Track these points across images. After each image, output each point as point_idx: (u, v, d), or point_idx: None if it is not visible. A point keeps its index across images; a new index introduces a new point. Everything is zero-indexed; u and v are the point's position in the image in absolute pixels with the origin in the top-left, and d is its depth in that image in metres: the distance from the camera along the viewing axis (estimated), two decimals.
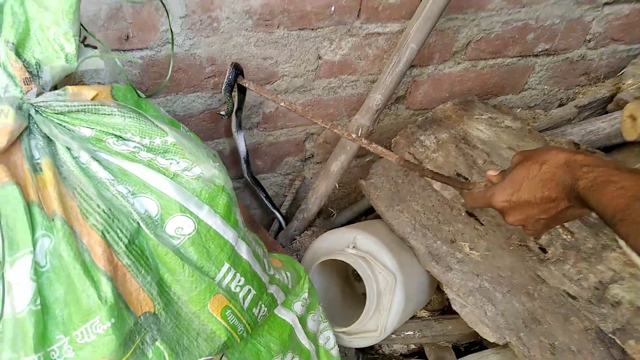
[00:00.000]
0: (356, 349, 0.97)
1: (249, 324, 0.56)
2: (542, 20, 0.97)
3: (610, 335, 0.74)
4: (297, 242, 0.92)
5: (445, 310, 0.99)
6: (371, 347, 1.00)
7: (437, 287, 0.96)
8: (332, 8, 0.81)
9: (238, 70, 0.78)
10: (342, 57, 0.89)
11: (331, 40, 0.86)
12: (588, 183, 0.52)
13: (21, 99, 0.49)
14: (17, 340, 0.44)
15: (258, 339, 0.63)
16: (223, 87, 0.78)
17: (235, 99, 0.81)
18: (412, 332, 0.94)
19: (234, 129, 0.87)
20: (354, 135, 0.70)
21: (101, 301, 0.45)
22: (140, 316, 0.48)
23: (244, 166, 0.92)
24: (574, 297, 0.77)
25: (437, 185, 0.90)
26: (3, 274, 0.45)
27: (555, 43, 1.03)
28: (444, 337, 0.95)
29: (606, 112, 1.10)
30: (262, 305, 0.59)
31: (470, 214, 0.87)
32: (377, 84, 0.84)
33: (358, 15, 0.84)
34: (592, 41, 1.06)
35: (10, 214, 0.45)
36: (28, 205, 0.46)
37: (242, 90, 0.82)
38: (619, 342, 0.73)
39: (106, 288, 0.45)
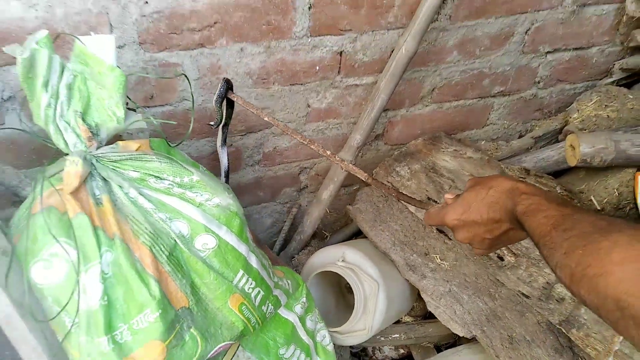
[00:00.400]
0: (351, 353, 1.11)
1: (259, 318, 0.72)
2: (495, 68, 1.17)
3: (557, 326, 0.89)
4: (296, 260, 1.08)
5: (426, 315, 1.14)
6: (365, 353, 1.15)
7: (418, 296, 1.11)
8: (317, 67, 0.99)
9: (229, 85, 0.84)
10: (327, 105, 1.07)
11: (317, 92, 1.04)
12: (524, 209, 0.58)
13: (85, 152, 0.66)
14: (91, 326, 0.59)
15: (267, 333, 0.78)
16: (214, 99, 0.83)
17: (224, 113, 0.86)
18: (398, 335, 1.09)
19: (218, 143, 0.91)
20: (331, 156, 0.87)
21: (151, 297, 0.61)
22: (178, 310, 0.64)
23: (223, 179, 0.96)
24: (527, 296, 0.93)
25: (412, 207, 1.07)
26: (79, 279, 0.61)
27: (509, 86, 1.22)
28: (426, 338, 1.10)
29: (557, 142, 1.28)
30: (269, 304, 0.75)
31: (440, 231, 1.04)
32: (357, 127, 1.03)
33: (339, 71, 1.02)
34: (541, 82, 1.25)
35: (82, 235, 0.62)
36: (94, 229, 0.62)
37: (231, 105, 0.87)
38: (564, 331, 0.88)
39: (154, 288, 0.61)
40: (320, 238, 1.25)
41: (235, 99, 0.85)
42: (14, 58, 0.63)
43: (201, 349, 0.65)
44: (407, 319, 1.13)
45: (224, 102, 0.85)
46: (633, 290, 0.41)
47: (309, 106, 1.06)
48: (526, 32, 1.13)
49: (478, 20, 1.06)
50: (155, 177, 0.69)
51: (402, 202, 0.77)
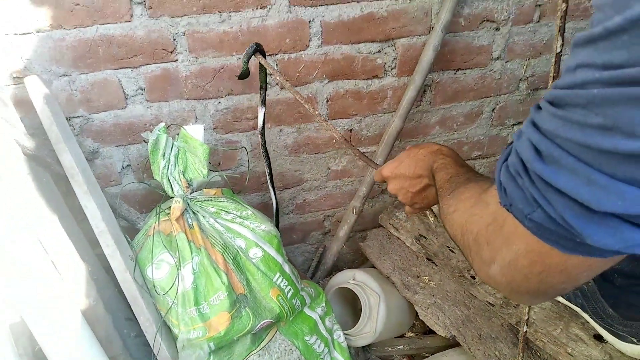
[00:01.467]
0: None
1: (290, 308, 1.06)
2: (471, 137, 1.53)
3: (514, 325, 1.17)
4: (320, 285, 1.41)
5: (426, 332, 1.43)
6: None
7: (417, 316, 1.41)
8: (334, 141, 1.39)
9: (258, 48, 0.94)
10: (342, 167, 1.45)
11: (335, 158, 1.43)
12: (437, 165, 0.70)
13: (184, 195, 1.06)
14: (185, 302, 0.96)
15: (296, 325, 1.12)
16: (242, 56, 0.95)
17: (248, 69, 0.97)
18: (402, 346, 1.37)
19: (259, 102, 1.04)
20: (337, 132, 1.23)
21: (222, 284, 0.97)
22: (238, 295, 0.99)
23: (260, 137, 1.10)
24: (492, 305, 1.22)
25: (408, 242, 1.40)
26: (178, 272, 0.98)
27: (485, 150, 1.57)
28: (425, 349, 1.38)
29: None
30: (297, 300, 1.09)
31: (429, 259, 1.36)
32: (362, 182, 1.40)
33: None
34: None
35: (181, 246, 1.00)
36: (188, 242, 1.00)
37: (264, 70, 0.97)
38: (519, 329, 1.16)
39: (224, 279, 0.98)
40: (340, 270, 1.59)
41: (265, 66, 0.94)
42: (134, 139, 1.05)
43: (252, 321, 0.99)
44: (410, 334, 1.42)
45: (251, 61, 0.96)
46: (468, 219, 0.54)
47: (329, 168, 1.45)
48: (492, 110, 1.50)
49: (452, 104, 1.44)
50: (225, 211, 1.07)
51: (363, 161, 0.91)
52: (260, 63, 0.96)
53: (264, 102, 1.04)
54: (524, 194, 0.43)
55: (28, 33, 1.04)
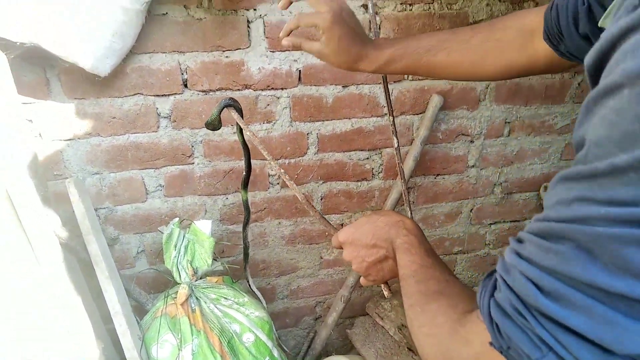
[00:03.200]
0: None
1: None
2: (451, 234, 1.70)
3: None
4: None
5: None
6: None
7: None
8: (327, 233, 1.57)
9: (232, 103, 0.91)
10: (334, 257, 1.62)
11: (327, 249, 1.60)
12: (400, 243, 0.66)
13: (190, 283, 1.23)
14: None
15: None
16: (215, 107, 0.91)
17: (219, 119, 0.93)
18: None
19: (244, 162, 1.03)
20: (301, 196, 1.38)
21: None
22: None
23: (242, 193, 1.13)
24: None
25: (391, 331, 1.53)
26: (179, 353, 1.13)
27: (465, 246, 1.74)
28: None
29: None
30: None
31: (409, 349, 1.48)
32: (350, 272, 1.56)
33: None
34: (490, 244, 1.77)
35: (184, 328, 1.15)
36: (190, 325, 1.16)
37: (240, 129, 0.95)
38: None
39: (219, 358, 1.12)
40: (329, 355, 1.70)
41: (232, 113, 0.92)
42: (150, 228, 1.24)
43: None
44: None
45: (223, 112, 0.93)
46: (445, 354, 0.49)
47: (321, 258, 1.61)
48: (471, 211, 1.68)
49: (434, 204, 1.63)
50: (224, 298, 1.24)
51: (322, 224, 0.87)
52: (237, 122, 0.94)
53: (249, 163, 1.04)
54: (528, 336, 0.39)
55: (70, 139, 1.26)
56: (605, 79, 0.34)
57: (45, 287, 1.00)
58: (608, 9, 0.51)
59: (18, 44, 1.05)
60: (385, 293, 0.83)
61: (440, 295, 0.57)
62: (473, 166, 1.60)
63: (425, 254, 0.65)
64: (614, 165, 0.32)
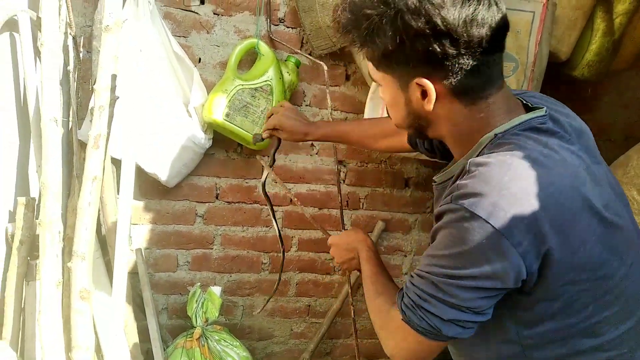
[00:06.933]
0: None
1: None
2: None
3: None
4: None
5: None
6: None
7: None
8: (297, 310, 2.27)
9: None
10: (301, 330, 2.29)
11: (297, 323, 2.28)
12: (364, 255, 1.17)
13: (202, 326, 1.91)
14: None
15: None
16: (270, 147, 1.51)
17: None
18: None
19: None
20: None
21: None
22: None
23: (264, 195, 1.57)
24: None
25: None
26: None
27: None
28: None
29: None
30: None
31: None
32: (311, 340, 2.23)
33: None
34: None
35: (196, 355, 1.81)
36: (200, 353, 1.82)
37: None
38: None
39: None
40: None
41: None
42: (174, 290, 1.96)
43: None
44: None
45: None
46: (382, 317, 0.97)
47: (292, 330, 2.29)
48: None
49: None
50: (224, 340, 1.91)
51: (321, 231, 1.51)
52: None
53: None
54: (416, 315, 0.85)
55: (136, 224, 2.02)
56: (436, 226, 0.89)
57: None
58: (445, 170, 1.02)
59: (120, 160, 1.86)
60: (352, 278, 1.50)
61: (383, 293, 1.04)
62: (405, 274, 2.35)
63: (378, 265, 1.15)
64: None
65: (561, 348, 0.90)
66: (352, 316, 2.06)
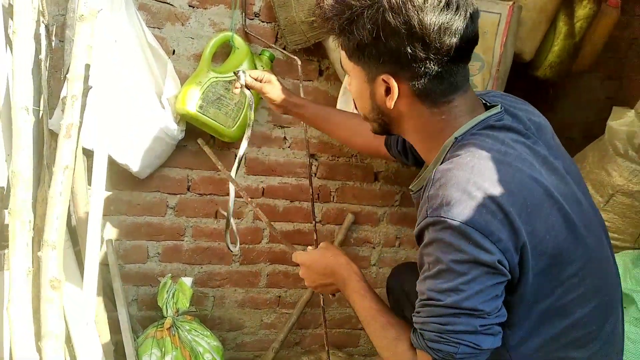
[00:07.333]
0: None
1: None
2: None
3: None
4: None
5: None
6: None
7: None
8: (268, 302, 2.31)
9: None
10: (271, 321, 2.34)
11: (267, 314, 2.32)
12: (355, 287, 1.08)
13: (173, 316, 1.93)
14: None
15: None
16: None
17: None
18: None
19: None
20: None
21: None
22: None
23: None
24: None
25: None
26: None
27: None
28: None
29: None
30: None
31: None
32: (280, 331, 2.27)
33: None
34: None
35: (166, 345, 1.83)
36: (171, 343, 1.84)
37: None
38: None
39: None
40: None
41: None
42: (144, 282, 1.97)
43: None
44: None
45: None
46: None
47: (262, 320, 2.32)
48: None
49: None
50: (194, 330, 1.93)
51: (284, 244, 1.44)
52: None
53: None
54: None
55: (107, 215, 2.02)
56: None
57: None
58: (419, 173, 1.13)
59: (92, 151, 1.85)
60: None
61: (393, 331, 1.00)
62: (374, 265, 2.42)
63: (375, 298, 1.07)
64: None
65: (536, 334, 0.95)
66: (322, 306, 2.11)
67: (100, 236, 1.65)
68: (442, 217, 0.85)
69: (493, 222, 0.84)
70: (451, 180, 0.87)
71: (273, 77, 1.50)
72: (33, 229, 1.51)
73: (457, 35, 0.89)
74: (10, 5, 1.52)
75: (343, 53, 1.00)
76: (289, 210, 2.25)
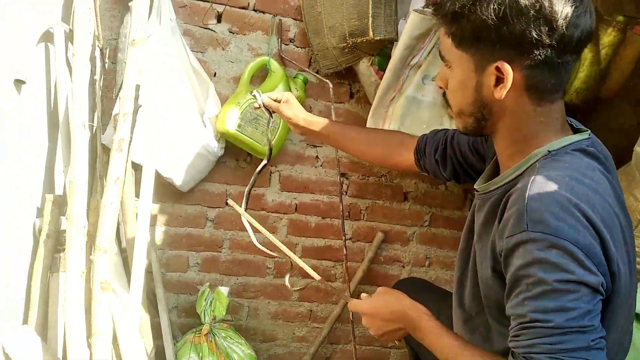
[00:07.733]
0: None
1: None
2: None
3: None
4: None
5: None
6: None
7: None
8: (300, 315, 2.39)
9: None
10: (303, 334, 2.41)
11: (299, 327, 2.40)
12: (429, 327, 0.99)
13: (210, 323, 2.03)
14: None
15: None
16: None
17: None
18: None
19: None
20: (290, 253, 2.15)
21: None
22: None
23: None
24: None
25: None
26: None
27: (398, 345, 2.53)
28: None
29: None
30: None
31: None
32: (312, 344, 2.34)
33: None
34: None
35: (203, 350, 1.93)
36: (208, 349, 1.94)
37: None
38: None
39: None
40: None
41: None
42: (184, 290, 2.09)
43: None
44: None
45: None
46: None
47: (294, 333, 2.40)
48: None
49: None
50: (230, 338, 2.02)
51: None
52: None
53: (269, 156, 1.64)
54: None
55: (153, 225, 2.16)
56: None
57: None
58: (485, 172, 1.07)
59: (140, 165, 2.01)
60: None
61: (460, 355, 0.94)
62: None
63: (452, 334, 0.99)
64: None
65: None
66: (351, 320, 2.18)
67: (146, 245, 1.79)
68: (546, 233, 0.83)
69: (595, 245, 0.84)
70: (553, 197, 0.85)
71: (292, 98, 1.53)
72: (86, 235, 1.66)
73: (579, 28, 0.87)
74: (71, 31, 1.71)
75: (448, 42, 0.94)
76: (321, 226, 2.34)
